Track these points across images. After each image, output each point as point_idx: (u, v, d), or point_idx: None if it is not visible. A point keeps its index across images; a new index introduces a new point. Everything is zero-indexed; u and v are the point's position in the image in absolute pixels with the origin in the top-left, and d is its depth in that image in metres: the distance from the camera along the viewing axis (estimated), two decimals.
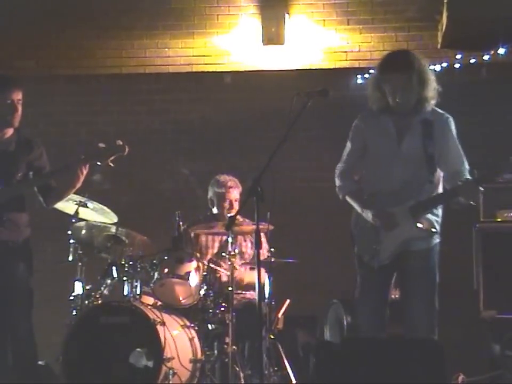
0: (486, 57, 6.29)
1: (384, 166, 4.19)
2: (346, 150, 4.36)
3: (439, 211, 4.22)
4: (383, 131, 4.21)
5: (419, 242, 4.15)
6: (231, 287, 4.94)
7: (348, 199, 4.31)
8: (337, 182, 4.36)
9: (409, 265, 4.17)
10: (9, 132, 4.53)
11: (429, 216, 4.16)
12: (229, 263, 5.01)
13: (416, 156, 4.12)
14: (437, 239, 4.23)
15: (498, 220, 5.84)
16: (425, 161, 4.10)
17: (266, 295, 5.11)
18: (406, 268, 4.18)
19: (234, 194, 5.59)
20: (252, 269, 5.44)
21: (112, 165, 4.38)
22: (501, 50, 6.17)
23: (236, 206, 5.56)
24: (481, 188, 3.99)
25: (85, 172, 4.43)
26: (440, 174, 4.19)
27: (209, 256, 5.47)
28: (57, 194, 4.57)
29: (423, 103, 4.14)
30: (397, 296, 4.52)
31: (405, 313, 4.18)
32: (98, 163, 4.38)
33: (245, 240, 5.61)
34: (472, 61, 6.37)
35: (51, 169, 4.56)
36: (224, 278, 5.22)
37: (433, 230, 4.13)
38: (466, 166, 4.18)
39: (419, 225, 4.10)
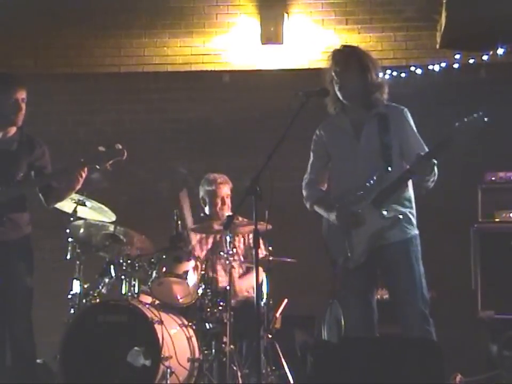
0: (484, 57, 6.29)
1: (347, 165, 4.20)
2: (310, 161, 4.40)
3: (412, 204, 4.19)
4: (341, 131, 4.25)
5: (392, 233, 4.09)
6: (229, 286, 4.94)
7: (316, 207, 4.33)
8: (304, 193, 4.40)
9: (388, 261, 4.13)
10: (12, 130, 4.54)
11: (398, 207, 4.11)
12: (227, 262, 5.02)
13: (374, 148, 4.13)
14: (413, 231, 4.17)
15: (497, 220, 5.85)
16: (381, 153, 4.11)
17: (264, 295, 5.11)
18: (385, 264, 4.16)
19: (225, 190, 5.59)
20: (242, 275, 5.45)
21: (110, 168, 4.40)
22: (500, 51, 6.17)
23: (228, 202, 5.56)
24: (434, 161, 3.94)
25: (84, 175, 4.44)
26: (403, 166, 4.14)
27: (202, 257, 5.45)
28: (58, 195, 4.58)
29: (370, 95, 4.14)
30: (386, 296, 4.52)
31: (397, 313, 4.15)
32: (97, 166, 4.39)
33: (239, 241, 5.59)
34: (471, 61, 6.38)
35: (51, 170, 4.57)
36: (221, 283, 5.24)
37: (400, 216, 4.08)
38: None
39: (384, 212, 4.06)
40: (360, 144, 4.18)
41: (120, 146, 4.39)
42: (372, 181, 4.11)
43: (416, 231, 4.20)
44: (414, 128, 4.21)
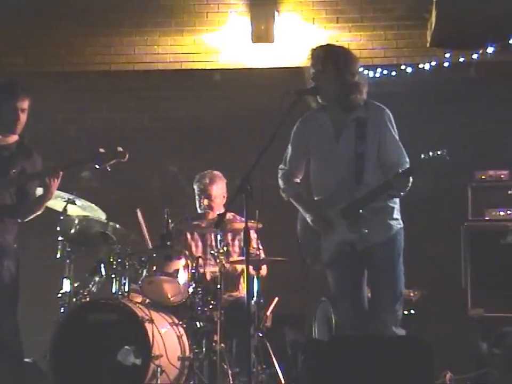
0: (474, 56, 6.31)
1: (326, 165, 4.20)
2: (287, 152, 4.37)
3: (395, 199, 4.16)
4: (322, 129, 4.22)
5: (374, 234, 4.08)
6: (220, 285, 4.94)
7: (292, 201, 4.36)
8: (281, 184, 4.40)
9: (371, 262, 4.15)
10: (12, 138, 4.56)
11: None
12: (218, 260, 5.01)
13: (350, 156, 4.12)
14: (395, 226, 4.14)
15: (487, 218, 5.87)
16: (354, 161, 4.10)
17: (255, 293, 5.11)
18: (369, 265, 4.17)
19: (215, 189, 5.55)
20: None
21: (109, 169, 4.39)
22: (490, 49, 6.18)
23: (218, 201, 5.54)
24: (410, 178, 3.96)
25: (57, 182, 4.40)
26: (378, 175, 4.12)
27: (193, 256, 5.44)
28: (31, 206, 4.53)
29: (348, 96, 4.10)
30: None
31: (372, 311, 4.19)
32: (97, 166, 4.38)
33: (233, 239, 5.59)
34: (461, 59, 6.39)
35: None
36: (209, 277, 5.24)
37: (366, 230, 4.08)
38: (406, 159, 4.13)
39: (365, 231, 4.05)
40: (338, 147, 4.16)
41: (121, 149, 4.40)
42: (342, 189, 4.11)
43: (398, 225, 4.17)
44: (394, 132, 4.16)
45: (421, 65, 6.29)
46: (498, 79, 6.40)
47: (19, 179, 4.48)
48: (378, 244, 4.11)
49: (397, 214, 4.17)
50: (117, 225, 5.08)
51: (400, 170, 3.98)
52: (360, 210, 4.05)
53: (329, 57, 4.14)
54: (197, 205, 5.63)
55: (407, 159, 4.14)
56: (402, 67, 6.50)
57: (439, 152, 3.95)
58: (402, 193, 4.08)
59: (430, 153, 3.97)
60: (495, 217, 5.85)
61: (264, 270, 5.27)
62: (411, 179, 3.99)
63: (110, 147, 4.41)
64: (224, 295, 5.14)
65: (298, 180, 4.38)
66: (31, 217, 4.59)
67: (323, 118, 4.21)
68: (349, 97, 4.11)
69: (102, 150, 4.38)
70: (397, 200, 4.17)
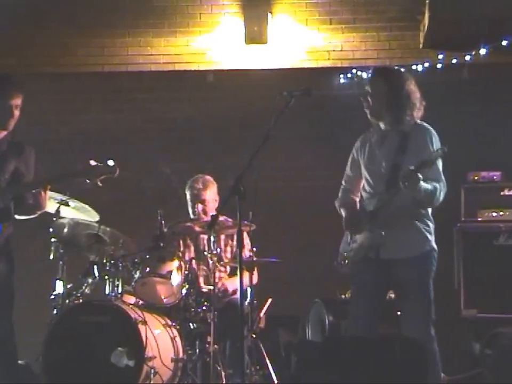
0: (467, 57, 6.31)
1: (368, 172, 4.34)
2: (346, 171, 4.52)
3: (425, 218, 4.24)
4: (371, 142, 4.36)
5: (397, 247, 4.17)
6: (213, 286, 4.93)
7: (340, 209, 4.46)
8: (338, 195, 4.54)
9: (397, 278, 4.23)
10: (3, 133, 4.52)
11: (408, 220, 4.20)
12: (211, 262, 5.01)
13: (385, 164, 4.23)
14: (425, 248, 4.22)
15: (479, 219, 5.89)
16: (390, 170, 4.20)
17: (248, 295, 5.11)
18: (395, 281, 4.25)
19: (208, 194, 5.51)
20: (230, 274, 5.45)
21: (100, 184, 4.37)
22: (482, 51, 6.19)
23: (211, 205, 5.52)
24: (419, 176, 4.02)
25: (43, 196, 4.38)
26: None
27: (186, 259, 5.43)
28: (26, 210, 4.52)
29: (398, 114, 4.23)
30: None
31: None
32: (88, 181, 4.36)
33: (226, 245, 5.57)
34: (453, 61, 6.40)
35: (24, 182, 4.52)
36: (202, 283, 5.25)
37: (383, 233, 4.16)
38: (441, 177, 4.22)
39: (382, 232, 4.17)
40: (379, 155, 4.29)
41: (113, 163, 4.38)
42: (375, 195, 4.24)
43: (428, 247, 4.23)
44: (432, 151, 4.21)
45: (413, 67, 6.29)
46: (491, 81, 6.42)
47: (8, 190, 4.45)
48: (403, 260, 4.16)
49: (429, 236, 4.24)
50: (108, 228, 5.06)
51: (410, 167, 4.04)
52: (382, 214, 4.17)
53: (378, 77, 4.33)
54: (190, 211, 5.59)
55: (443, 177, 4.22)
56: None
57: (441, 147, 4.11)
58: (420, 197, 4.11)
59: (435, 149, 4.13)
60: (487, 218, 5.87)
61: (255, 277, 5.22)
62: (424, 184, 4.04)
63: (101, 160, 4.38)
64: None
65: (356, 198, 4.48)
66: (24, 218, 4.59)
67: (372, 133, 4.37)
68: (398, 116, 4.24)
69: (93, 163, 4.36)
70: (430, 223, 4.25)
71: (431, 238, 4.25)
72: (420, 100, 4.30)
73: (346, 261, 4.33)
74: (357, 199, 4.47)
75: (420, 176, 4.02)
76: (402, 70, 4.59)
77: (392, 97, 4.23)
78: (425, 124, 4.31)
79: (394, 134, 4.27)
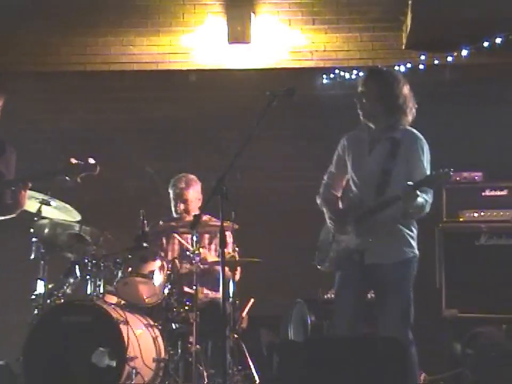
0: (449, 58, 6.35)
1: (353, 176, 4.33)
2: (330, 168, 4.49)
3: (413, 228, 4.25)
4: (360, 144, 4.35)
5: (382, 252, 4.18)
6: (195, 286, 4.93)
7: (321, 204, 4.42)
8: (320, 191, 4.50)
9: (378, 281, 4.24)
10: None
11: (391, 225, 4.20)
12: (194, 261, 5.01)
13: (375, 169, 4.22)
14: (408, 254, 4.22)
15: (461, 220, 5.91)
16: (380, 176, 4.20)
17: (230, 294, 5.11)
18: (375, 284, 4.27)
19: (191, 193, 5.54)
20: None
21: (80, 181, 4.35)
22: (464, 52, 6.23)
23: (194, 205, 5.53)
24: (418, 192, 4.01)
25: (22, 194, 4.36)
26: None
27: (169, 259, 5.42)
28: (5, 209, 4.49)
29: (392, 117, 4.23)
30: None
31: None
32: (67, 178, 4.34)
33: (210, 243, 5.58)
34: (435, 62, 6.43)
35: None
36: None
37: (370, 239, 4.17)
38: (431, 191, 4.19)
39: (370, 240, 4.17)
40: (369, 160, 4.27)
41: (93, 161, 4.36)
42: (363, 200, 4.22)
43: (411, 253, 4.22)
44: (423, 158, 4.22)
45: (396, 67, 6.30)
46: (472, 82, 6.46)
47: None
48: (387, 265, 4.17)
49: (412, 242, 4.24)
50: (87, 228, 5.05)
51: (409, 183, 4.02)
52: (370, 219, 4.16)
53: (371, 78, 4.30)
54: (173, 209, 5.60)
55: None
56: None
57: (446, 170, 4.03)
58: (415, 212, 4.12)
59: (440, 170, 4.06)
60: (469, 219, 5.89)
61: (238, 273, 5.25)
62: (419, 199, 4.03)
63: (82, 158, 4.36)
64: (201, 294, 5.15)
65: (337, 194, 4.46)
66: (2, 218, 4.56)
67: (363, 135, 4.34)
68: (390, 118, 4.23)
69: (73, 161, 4.34)
70: (414, 229, 4.25)
71: (414, 244, 4.25)
72: (413, 103, 4.30)
73: (327, 263, 4.33)
74: (338, 195, 4.45)
75: (418, 193, 4.02)
76: (396, 71, 4.58)
77: (387, 100, 4.23)
78: (416, 132, 4.30)
79: (385, 140, 4.26)
